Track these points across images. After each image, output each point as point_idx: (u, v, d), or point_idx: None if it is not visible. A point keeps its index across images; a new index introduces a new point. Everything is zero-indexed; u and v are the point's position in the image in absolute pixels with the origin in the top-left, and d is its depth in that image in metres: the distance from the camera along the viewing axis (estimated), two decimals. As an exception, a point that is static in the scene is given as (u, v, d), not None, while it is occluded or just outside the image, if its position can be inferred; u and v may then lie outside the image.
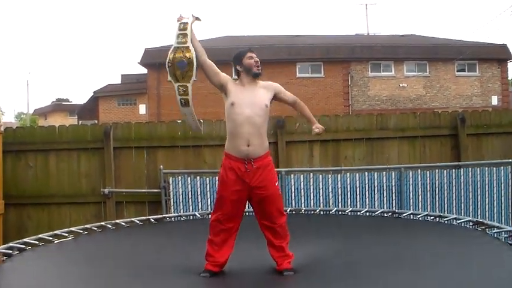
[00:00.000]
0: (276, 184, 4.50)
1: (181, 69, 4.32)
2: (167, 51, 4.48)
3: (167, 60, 4.35)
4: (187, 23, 4.39)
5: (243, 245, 4.68)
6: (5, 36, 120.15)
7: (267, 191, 4.37)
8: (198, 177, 8.13)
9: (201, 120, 4.80)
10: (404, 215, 6.72)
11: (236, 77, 4.58)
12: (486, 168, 8.30)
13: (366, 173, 8.17)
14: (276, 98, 4.57)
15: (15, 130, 8.95)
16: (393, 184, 8.16)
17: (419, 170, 8.24)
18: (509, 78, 30.09)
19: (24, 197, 8.52)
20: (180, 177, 8.11)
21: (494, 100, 28.95)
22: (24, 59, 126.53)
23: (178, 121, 8.93)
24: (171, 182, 8.12)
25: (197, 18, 4.52)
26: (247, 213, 4.86)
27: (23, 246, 5.14)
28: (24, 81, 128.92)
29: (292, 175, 8.07)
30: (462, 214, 7.94)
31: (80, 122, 31.52)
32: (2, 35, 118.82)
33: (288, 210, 7.31)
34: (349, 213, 7.14)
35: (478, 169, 8.27)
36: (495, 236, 5.45)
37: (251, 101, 4.36)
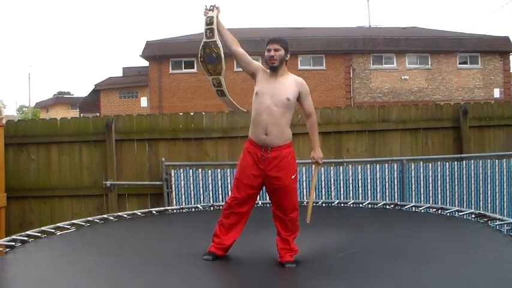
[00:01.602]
0: (293, 177, 4.53)
1: (211, 64, 4.48)
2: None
3: (199, 56, 4.53)
4: (213, 16, 4.47)
5: (250, 234, 4.72)
6: (6, 29, 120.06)
7: (281, 181, 4.42)
8: (200, 170, 8.12)
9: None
10: (406, 207, 6.72)
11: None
12: (488, 160, 8.29)
13: (368, 165, 8.16)
14: (298, 98, 4.56)
15: (17, 123, 8.94)
16: (395, 176, 8.15)
17: (421, 162, 8.23)
18: (511, 70, 29.97)
19: (26, 190, 8.52)
20: (182, 170, 8.11)
21: (496, 93, 28.89)
22: (25, 52, 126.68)
23: (180, 114, 8.92)
24: (173, 174, 8.12)
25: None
26: (258, 204, 4.88)
27: (26, 238, 5.15)
28: (26, 75, 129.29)
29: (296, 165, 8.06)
30: (464, 206, 7.95)
31: (82, 115, 31.49)
32: (3, 28, 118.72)
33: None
34: (352, 206, 7.15)
35: (480, 161, 8.26)
36: (497, 228, 5.45)
37: (273, 92, 4.42)
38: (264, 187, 4.58)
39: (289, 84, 4.49)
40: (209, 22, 4.46)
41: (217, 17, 4.48)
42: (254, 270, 4.42)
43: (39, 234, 5.35)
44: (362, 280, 4.04)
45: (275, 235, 4.55)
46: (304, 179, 7.97)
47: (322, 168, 8.08)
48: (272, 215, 4.56)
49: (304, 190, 8.02)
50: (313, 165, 4.85)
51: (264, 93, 4.42)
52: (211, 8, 4.51)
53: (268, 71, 4.53)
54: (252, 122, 4.50)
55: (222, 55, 4.43)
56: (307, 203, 5.09)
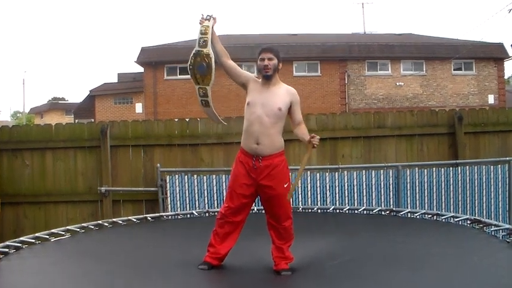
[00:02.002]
0: (286, 186, 4.49)
1: (201, 73, 4.44)
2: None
3: (188, 63, 4.47)
4: (208, 26, 4.45)
5: (245, 242, 4.68)
6: (1, 35, 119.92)
7: (274, 190, 4.40)
8: (195, 176, 8.09)
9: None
10: (401, 213, 6.72)
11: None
12: (483, 166, 8.29)
13: (364, 171, 8.15)
14: (289, 107, 4.52)
15: (12, 129, 8.90)
16: (391, 182, 8.14)
17: (416, 168, 8.22)
18: (505, 77, 30.08)
19: (21, 196, 8.47)
20: (177, 176, 8.08)
21: (491, 99, 28.96)
22: (20, 58, 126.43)
23: (176, 120, 8.91)
24: (168, 180, 8.09)
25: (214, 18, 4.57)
26: (253, 210, 4.87)
27: (20, 244, 5.13)
28: (20, 80, 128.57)
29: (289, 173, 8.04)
30: (459, 212, 7.94)
31: (77, 120, 31.47)
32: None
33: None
34: (347, 212, 7.15)
35: (476, 167, 8.26)
36: (493, 234, 5.46)
37: (264, 102, 4.41)
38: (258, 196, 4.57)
39: (282, 93, 4.48)
40: (204, 31, 4.43)
41: (212, 27, 4.46)
42: (249, 278, 4.40)
43: (34, 241, 5.32)
44: (355, 284, 4.04)
45: (270, 242, 4.53)
46: (300, 184, 7.95)
47: (318, 174, 8.08)
48: (266, 224, 4.55)
49: (300, 196, 8.01)
50: (308, 146, 4.54)
51: (256, 103, 4.41)
52: (208, 17, 4.50)
53: (260, 80, 4.53)
54: (244, 131, 4.49)
55: (213, 66, 4.40)
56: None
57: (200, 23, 4.48)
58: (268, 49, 4.54)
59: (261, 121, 4.36)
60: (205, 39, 4.42)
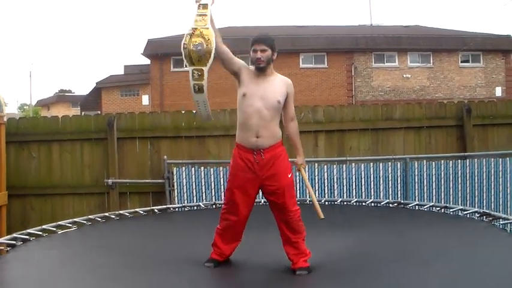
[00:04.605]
0: (290, 176, 4.33)
1: (197, 52, 4.02)
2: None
3: (182, 42, 4.06)
4: (207, 4, 4.18)
5: (251, 236, 4.62)
6: (7, 27, 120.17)
7: (278, 182, 4.23)
8: (202, 168, 8.07)
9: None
10: (409, 205, 6.70)
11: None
12: (492, 159, 8.23)
13: (371, 164, 8.11)
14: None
15: (19, 121, 8.89)
16: (398, 175, 8.10)
17: (424, 161, 8.18)
18: (513, 69, 29.97)
19: (28, 188, 8.47)
20: (184, 168, 8.06)
21: (498, 91, 28.88)
22: (27, 50, 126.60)
23: (183, 111, 8.88)
24: (175, 172, 8.07)
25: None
26: (257, 204, 4.78)
27: (27, 237, 5.12)
28: (27, 73, 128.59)
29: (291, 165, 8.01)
30: (468, 205, 7.89)
31: (83, 113, 31.51)
32: (4, 26, 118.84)
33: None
34: (355, 204, 7.13)
35: (484, 160, 8.20)
36: (502, 227, 5.42)
37: (263, 94, 4.22)
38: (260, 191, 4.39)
39: (278, 85, 4.31)
40: (202, 9, 4.16)
41: (210, 6, 4.20)
42: (256, 272, 4.37)
43: (41, 233, 5.32)
44: (364, 279, 4.01)
45: (276, 234, 4.40)
46: (301, 177, 7.93)
47: (325, 166, 8.05)
48: (276, 221, 4.37)
49: (300, 185, 7.98)
50: (300, 168, 4.58)
51: (253, 95, 4.21)
52: None
53: (253, 69, 4.33)
54: (240, 125, 4.30)
55: (214, 44, 4.04)
56: (310, 201, 5.00)
57: (197, 2, 4.19)
58: (261, 40, 4.30)
59: (261, 115, 4.18)
60: (204, 15, 4.13)
